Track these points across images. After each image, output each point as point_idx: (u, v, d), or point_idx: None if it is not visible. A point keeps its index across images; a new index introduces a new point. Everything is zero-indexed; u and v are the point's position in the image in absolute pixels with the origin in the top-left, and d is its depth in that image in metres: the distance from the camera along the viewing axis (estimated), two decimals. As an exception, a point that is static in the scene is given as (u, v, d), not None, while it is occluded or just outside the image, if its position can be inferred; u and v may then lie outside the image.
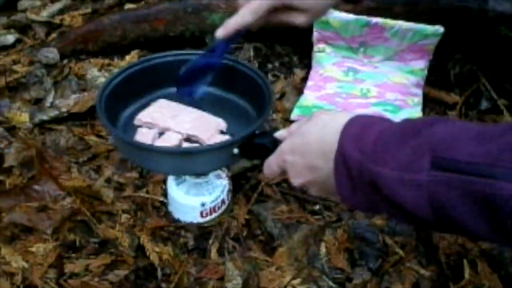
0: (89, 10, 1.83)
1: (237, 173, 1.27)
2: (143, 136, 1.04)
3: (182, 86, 1.08)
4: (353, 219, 1.20)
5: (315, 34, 1.57)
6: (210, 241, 1.16)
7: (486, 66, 1.61)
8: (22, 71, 1.58)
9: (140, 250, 1.14)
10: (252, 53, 1.66)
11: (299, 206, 1.24)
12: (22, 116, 1.44)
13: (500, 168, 0.54)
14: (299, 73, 1.63)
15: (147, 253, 1.13)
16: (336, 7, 1.00)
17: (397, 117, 1.41)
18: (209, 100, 1.14)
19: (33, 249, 1.13)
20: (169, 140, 1.04)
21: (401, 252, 1.15)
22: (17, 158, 1.31)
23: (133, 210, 1.22)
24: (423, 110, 1.50)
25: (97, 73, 1.58)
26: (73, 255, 1.13)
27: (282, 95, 1.57)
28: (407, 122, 0.68)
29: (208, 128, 1.06)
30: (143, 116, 1.09)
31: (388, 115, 1.44)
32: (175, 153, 0.99)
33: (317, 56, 1.60)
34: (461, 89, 1.60)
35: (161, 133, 1.05)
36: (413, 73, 1.56)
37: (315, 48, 1.60)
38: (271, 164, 0.85)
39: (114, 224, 1.18)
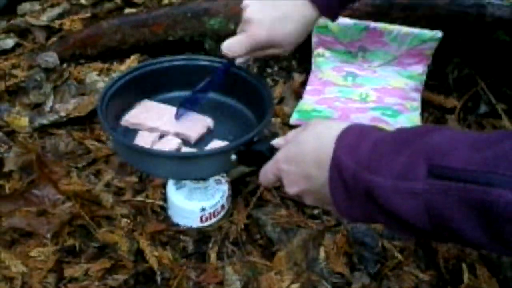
0: (88, 14, 1.83)
1: (236, 178, 1.27)
2: (143, 139, 1.04)
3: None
4: (352, 224, 1.20)
5: (314, 39, 1.58)
6: (210, 246, 1.17)
7: (485, 70, 1.61)
8: (22, 75, 1.58)
9: (139, 254, 1.14)
10: (251, 58, 1.66)
11: (298, 210, 1.24)
12: (21, 121, 1.44)
13: (497, 175, 0.54)
14: (298, 77, 1.64)
15: (147, 258, 1.13)
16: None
17: (396, 122, 1.42)
18: (209, 105, 1.15)
19: (33, 254, 1.13)
20: (168, 144, 1.04)
21: (400, 256, 1.15)
22: (17, 163, 1.31)
23: (132, 214, 1.22)
24: (422, 114, 1.51)
25: (97, 78, 1.58)
26: (73, 259, 1.13)
27: (281, 99, 1.57)
28: (402, 130, 0.68)
29: (196, 126, 1.06)
30: (130, 117, 1.10)
31: (387, 120, 1.44)
32: (174, 157, 0.99)
33: (316, 60, 1.60)
34: (460, 94, 1.60)
35: (161, 136, 1.06)
36: (412, 78, 1.56)
37: (314, 52, 1.60)
38: (267, 172, 0.85)
39: (114, 228, 1.18)
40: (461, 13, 1.54)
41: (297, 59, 1.67)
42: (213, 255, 1.15)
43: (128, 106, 1.13)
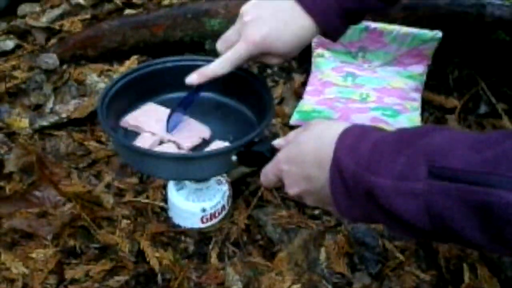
0: (88, 15, 1.82)
1: (237, 178, 1.27)
2: (143, 141, 1.04)
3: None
4: (353, 224, 1.20)
5: (314, 39, 1.58)
6: (210, 246, 1.17)
7: (485, 70, 1.61)
8: (22, 76, 1.58)
9: (140, 255, 1.14)
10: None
11: (299, 211, 1.24)
12: (22, 122, 1.44)
13: (497, 176, 0.54)
14: (298, 78, 1.64)
15: (147, 259, 1.13)
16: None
17: (396, 122, 1.42)
18: (209, 106, 1.15)
19: (33, 255, 1.13)
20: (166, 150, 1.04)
21: (401, 256, 1.15)
22: (17, 164, 1.31)
23: (133, 215, 1.22)
24: (422, 114, 1.51)
25: (97, 79, 1.58)
26: (73, 261, 1.13)
27: (282, 100, 1.57)
28: (402, 131, 0.68)
29: (191, 134, 1.06)
30: (130, 119, 1.09)
31: (387, 120, 1.44)
32: (174, 158, 0.99)
33: (316, 61, 1.60)
34: (460, 94, 1.60)
35: (161, 142, 1.06)
36: (412, 78, 1.56)
37: (314, 53, 1.60)
38: (268, 173, 0.85)
39: (114, 229, 1.18)
40: (461, 13, 1.54)
41: (297, 59, 1.67)
42: (214, 256, 1.15)
43: (129, 107, 1.13)
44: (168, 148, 1.04)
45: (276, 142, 0.88)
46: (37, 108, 1.50)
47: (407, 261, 1.14)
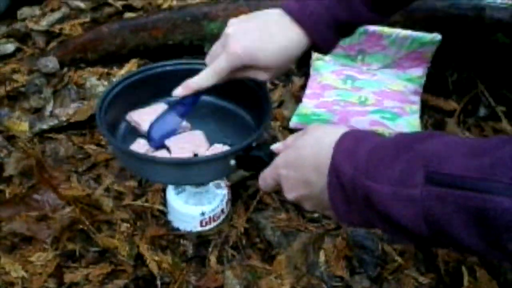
0: (88, 19, 1.83)
1: (236, 181, 1.27)
2: (139, 147, 1.04)
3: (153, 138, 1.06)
4: (352, 227, 1.20)
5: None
6: (210, 250, 1.17)
7: (484, 73, 1.61)
8: (22, 80, 1.58)
9: (139, 259, 1.14)
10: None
11: (298, 214, 1.24)
12: (21, 125, 1.44)
13: (494, 182, 0.54)
14: (297, 81, 1.64)
15: (147, 262, 1.13)
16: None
17: (395, 125, 1.42)
18: (207, 109, 1.15)
19: (33, 259, 1.13)
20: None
21: (400, 259, 1.15)
22: (17, 167, 1.31)
23: (132, 219, 1.22)
24: (421, 117, 1.51)
25: (97, 82, 1.58)
26: (73, 264, 1.13)
27: (281, 103, 1.57)
28: (400, 136, 0.68)
29: (184, 148, 1.05)
30: (135, 114, 1.10)
31: (386, 123, 1.44)
32: (172, 163, 0.99)
33: (315, 64, 1.60)
34: (459, 96, 1.60)
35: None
36: (411, 81, 1.57)
37: (314, 56, 1.60)
38: (266, 177, 0.85)
39: (114, 233, 1.18)
40: (460, 16, 1.54)
41: (296, 62, 1.67)
42: (213, 259, 1.15)
43: (128, 111, 1.13)
44: (162, 154, 1.04)
45: (275, 147, 0.88)
46: (37, 111, 1.50)
47: (406, 264, 1.14)
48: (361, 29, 1.51)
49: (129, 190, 1.28)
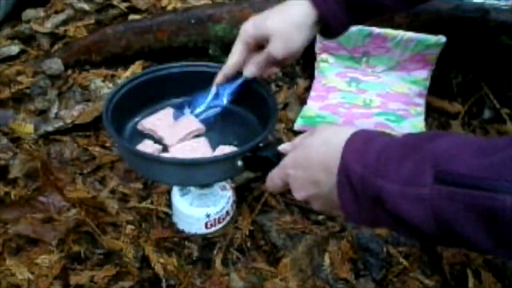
0: (93, 21, 1.83)
1: (241, 184, 1.27)
2: (146, 148, 1.05)
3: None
4: (357, 229, 1.20)
5: (318, 45, 1.58)
6: (215, 252, 1.17)
7: (489, 75, 1.61)
8: (27, 82, 1.58)
9: (144, 261, 1.15)
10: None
11: (303, 216, 1.24)
12: (26, 127, 1.44)
13: (503, 181, 0.54)
14: (302, 83, 1.64)
15: (152, 264, 1.13)
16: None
17: (400, 127, 1.42)
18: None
19: (38, 261, 1.13)
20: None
21: (405, 262, 1.15)
22: (22, 170, 1.31)
23: (137, 221, 1.22)
24: (426, 119, 1.51)
25: (101, 84, 1.58)
26: (78, 266, 1.13)
27: (285, 105, 1.57)
28: (409, 136, 0.68)
29: (188, 153, 1.06)
30: (146, 122, 1.10)
31: (391, 125, 1.44)
32: (179, 164, 0.99)
33: (320, 66, 1.61)
34: (464, 99, 1.60)
35: (164, 149, 1.06)
36: (416, 83, 1.57)
37: (318, 58, 1.60)
38: (274, 178, 0.85)
39: (119, 235, 1.19)
40: (465, 18, 1.54)
41: (301, 64, 1.68)
42: (218, 262, 1.15)
43: (134, 112, 1.14)
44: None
45: (282, 147, 0.88)
46: (42, 113, 1.50)
47: (411, 267, 1.14)
48: (366, 31, 1.51)
49: (134, 192, 1.29)
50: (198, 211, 1.16)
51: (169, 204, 1.23)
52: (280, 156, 0.86)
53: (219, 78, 1.09)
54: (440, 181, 0.58)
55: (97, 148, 1.40)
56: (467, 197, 0.56)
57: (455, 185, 0.57)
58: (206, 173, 0.98)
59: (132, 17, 1.84)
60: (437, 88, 1.60)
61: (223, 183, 1.19)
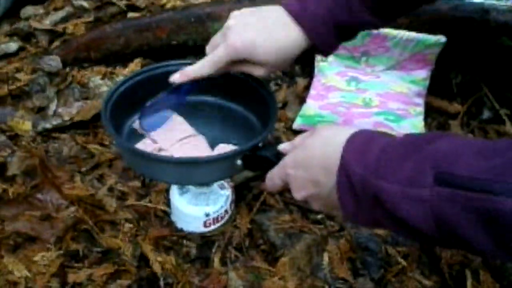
0: (91, 18, 1.82)
1: (240, 183, 1.27)
2: (145, 147, 1.04)
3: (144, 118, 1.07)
4: (356, 229, 1.20)
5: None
6: (213, 251, 1.17)
7: (488, 76, 1.61)
8: (25, 79, 1.57)
9: (142, 259, 1.14)
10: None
11: (302, 215, 1.24)
12: (25, 125, 1.44)
13: (503, 184, 0.54)
14: (301, 82, 1.64)
15: (150, 263, 1.12)
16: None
17: (399, 127, 1.42)
18: (212, 110, 1.15)
19: (36, 258, 1.12)
20: None
21: (403, 262, 1.15)
22: (20, 167, 1.31)
23: (135, 219, 1.22)
24: (425, 119, 1.51)
25: (100, 82, 1.58)
26: (76, 264, 1.13)
27: (285, 104, 1.57)
28: (410, 136, 0.68)
29: (188, 151, 1.05)
30: (156, 135, 1.10)
31: (390, 125, 1.44)
32: (178, 162, 0.99)
33: (319, 65, 1.60)
34: (463, 99, 1.60)
35: (160, 149, 1.06)
36: (415, 83, 1.56)
37: (318, 57, 1.60)
38: (274, 177, 0.85)
39: (117, 233, 1.18)
40: (465, 19, 1.54)
41: (300, 64, 1.67)
42: (216, 260, 1.15)
43: (133, 110, 1.13)
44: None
45: (282, 147, 0.88)
46: (40, 110, 1.50)
47: (409, 267, 1.14)
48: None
49: (132, 190, 1.28)
50: (196, 209, 1.15)
51: (168, 203, 1.23)
52: (279, 155, 0.86)
53: (181, 78, 1.00)
54: (441, 183, 0.58)
55: (96, 146, 1.40)
56: (467, 199, 0.56)
57: (455, 187, 0.57)
58: (205, 172, 0.98)
59: (131, 15, 1.83)
60: (436, 88, 1.60)
61: (222, 182, 1.19)
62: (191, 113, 1.14)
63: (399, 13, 1.01)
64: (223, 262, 1.15)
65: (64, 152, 1.38)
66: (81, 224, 1.19)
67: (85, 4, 1.86)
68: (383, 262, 1.15)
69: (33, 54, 1.71)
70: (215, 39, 0.99)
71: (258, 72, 0.98)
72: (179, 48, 1.66)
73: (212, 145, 1.08)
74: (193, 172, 0.98)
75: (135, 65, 1.63)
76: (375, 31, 1.50)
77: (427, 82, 1.56)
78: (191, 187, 1.16)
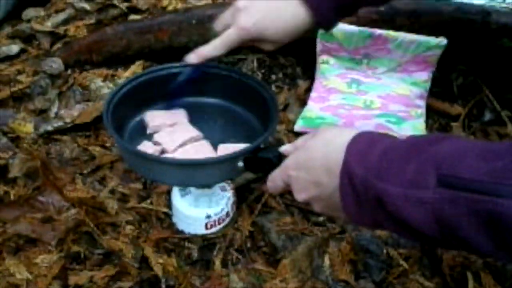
0: (93, 20, 1.82)
1: (241, 184, 1.27)
2: (146, 149, 1.04)
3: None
4: (357, 231, 1.20)
5: (319, 46, 1.58)
6: (214, 253, 1.17)
7: (489, 77, 1.61)
8: (27, 81, 1.57)
9: (144, 261, 1.14)
10: (255, 65, 1.66)
11: (303, 217, 1.24)
12: (26, 127, 1.44)
13: (505, 186, 0.54)
14: (302, 84, 1.64)
15: (151, 265, 1.13)
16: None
17: (401, 129, 1.42)
18: (214, 112, 1.15)
19: (38, 261, 1.12)
20: None
21: (405, 264, 1.15)
22: (22, 169, 1.31)
23: (137, 221, 1.22)
24: (427, 121, 1.51)
25: (101, 84, 1.58)
26: (77, 266, 1.13)
27: (286, 106, 1.57)
28: (412, 138, 0.68)
29: (193, 156, 1.05)
30: (152, 115, 1.11)
31: (392, 127, 1.44)
32: (180, 164, 0.99)
33: (320, 67, 1.60)
34: (464, 101, 1.60)
35: (162, 152, 1.06)
36: (417, 85, 1.56)
37: (319, 59, 1.60)
38: (276, 179, 0.85)
39: (118, 235, 1.18)
40: (466, 20, 1.54)
41: (301, 66, 1.67)
42: (217, 263, 1.15)
43: (134, 113, 1.13)
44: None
45: (284, 148, 0.88)
46: (42, 112, 1.50)
47: (411, 269, 1.14)
48: (367, 32, 1.51)
49: (134, 192, 1.28)
50: (198, 211, 1.15)
51: (169, 205, 1.23)
52: (281, 157, 0.86)
53: (196, 58, 1.07)
54: (443, 185, 0.58)
55: (97, 148, 1.40)
56: (470, 201, 0.56)
57: (457, 189, 0.57)
58: (207, 173, 0.98)
59: (132, 17, 1.83)
60: (437, 90, 1.60)
61: (223, 183, 1.19)
62: (192, 115, 1.14)
63: None
64: (225, 264, 1.15)
65: (65, 154, 1.38)
66: (82, 226, 1.19)
67: (87, 6, 1.86)
68: (385, 264, 1.15)
69: (34, 56, 1.71)
70: (225, 17, 1.06)
71: (267, 47, 1.05)
72: (181, 50, 1.64)
73: (214, 147, 1.08)
74: (194, 174, 0.98)
75: (136, 67, 1.63)
76: (376, 33, 1.50)
77: (428, 84, 1.56)
78: (192, 189, 1.16)
